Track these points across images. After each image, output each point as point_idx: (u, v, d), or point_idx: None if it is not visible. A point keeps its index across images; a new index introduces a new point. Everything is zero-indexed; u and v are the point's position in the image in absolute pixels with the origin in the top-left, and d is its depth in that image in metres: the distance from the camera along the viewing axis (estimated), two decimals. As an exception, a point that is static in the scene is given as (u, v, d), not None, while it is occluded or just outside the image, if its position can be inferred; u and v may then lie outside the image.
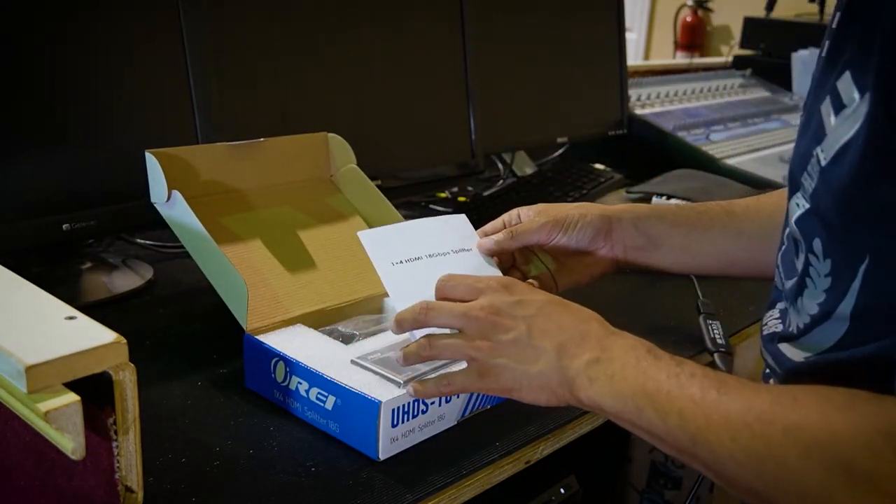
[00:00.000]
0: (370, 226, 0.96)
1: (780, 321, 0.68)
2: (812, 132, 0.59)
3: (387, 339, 0.79)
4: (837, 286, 0.57)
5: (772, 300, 0.72)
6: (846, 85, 0.54)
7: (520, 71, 1.48)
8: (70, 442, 0.47)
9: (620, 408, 0.58)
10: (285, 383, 0.76)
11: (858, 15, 0.54)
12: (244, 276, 0.79)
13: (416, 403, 0.71)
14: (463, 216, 0.82)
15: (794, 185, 0.62)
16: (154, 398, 0.77)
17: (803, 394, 0.52)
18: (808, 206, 0.59)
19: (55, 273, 1.01)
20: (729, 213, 0.83)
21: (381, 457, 0.69)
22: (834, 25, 0.59)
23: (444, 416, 0.74)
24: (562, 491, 0.99)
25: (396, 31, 1.24)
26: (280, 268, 0.86)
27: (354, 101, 1.18)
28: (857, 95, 0.53)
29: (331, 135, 0.98)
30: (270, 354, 0.76)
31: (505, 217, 0.81)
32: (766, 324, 0.71)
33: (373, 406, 0.68)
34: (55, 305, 0.53)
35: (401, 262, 0.74)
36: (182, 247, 0.84)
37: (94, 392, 0.50)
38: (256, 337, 0.78)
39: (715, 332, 0.94)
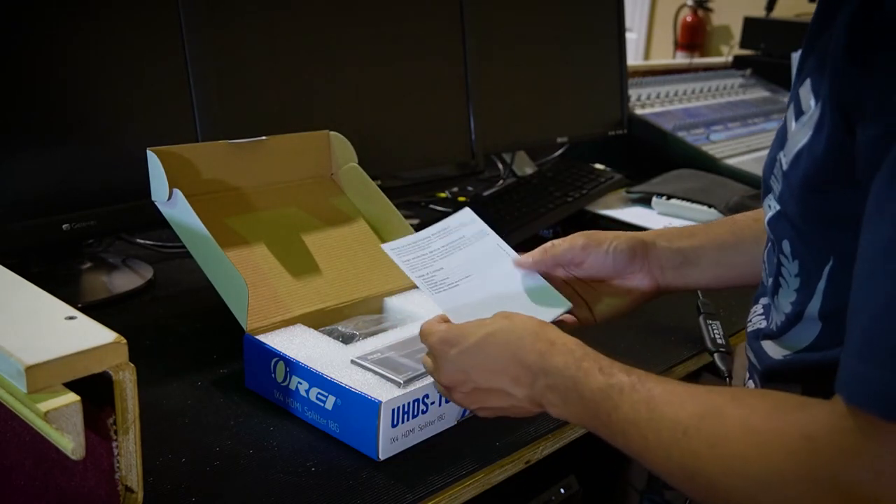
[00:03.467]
0: (370, 225, 0.96)
1: (763, 317, 0.69)
2: (779, 137, 0.60)
3: (387, 339, 0.80)
4: (806, 286, 0.59)
5: (756, 295, 0.73)
6: (806, 92, 0.56)
7: (520, 71, 1.48)
8: (70, 442, 0.47)
9: (584, 425, 0.62)
10: (285, 383, 0.76)
11: (825, 25, 0.56)
12: (244, 275, 0.79)
13: (416, 403, 0.71)
14: (467, 210, 0.84)
15: (766, 188, 0.64)
16: (154, 398, 0.77)
17: (730, 405, 0.53)
18: (778, 207, 0.61)
19: (55, 273, 1.01)
20: (757, 220, 0.82)
21: (381, 457, 0.69)
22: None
23: (444, 416, 0.74)
24: (562, 491, 0.99)
25: (396, 30, 1.24)
26: (280, 267, 0.86)
27: (354, 101, 1.18)
28: (812, 103, 0.55)
29: (332, 133, 0.98)
30: (270, 354, 0.76)
31: (540, 248, 0.81)
32: (750, 320, 0.72)
33: (373, 406, 0.68)
34: (55, 305, 0.53)
35: (432, 270, 0.77)
36: (182, 246, 0.84)
37: (94, 392, 0.50)
38: (256, 337, 0.78)
39: (715, 332, 0.94)
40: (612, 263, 0.78)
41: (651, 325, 1.00)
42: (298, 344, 0.78)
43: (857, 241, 0.49)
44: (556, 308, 0.76)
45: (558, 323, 0.74)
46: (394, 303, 0.90)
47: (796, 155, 0.57)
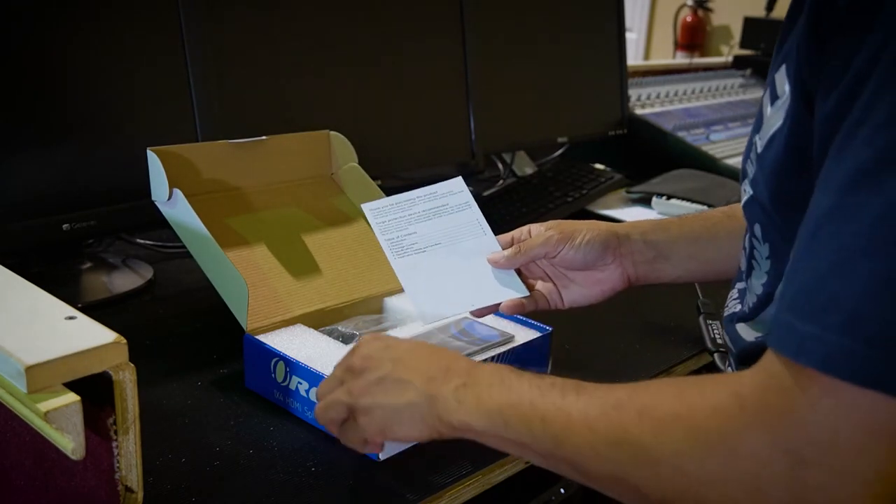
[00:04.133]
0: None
1: (738, 301, 0.70)
2: (755, 122, 0.61)
3: None
4: (776, 269, 0.60)
5: (734, 280, 0.74)
6: (781, 77, 0.57)
7: (520, 71, 1.48)
8: (70, 442, 0.47)
9: (488, 425, 0.59)
10: (285, 383, 0.76)
11: (797, 13, 0.56)
12: (244, 275, 0.79)
13: None
14: (459, 179, 0.85)
15: (743, 173, 0.66)
16: (154, 398, 0.77)
17: (664, 382, 0.53)
18: (751, 192, 0.62)
19: (55, 273, 1.01)
20: (730, 216, 0.83)
21: (381, 457, 0.69)
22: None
23: None
24: (562, 491, 0.99)
25: (396, 30, 1.24)
26: (280, 267, 0.86)
27: (355, 101, 1.18)
28: (787, 87, 0.56)
29: (332, 132, 0.98)
30: (270, 354, 0.76)
31: (515, 232, 0.83)
32: (727, 305, 0.73)
33: None
34: (55, 305, 0.53)
35: (404, 233, 0.79)
36: (182, 246, 0.84)
37: (94, 392, 0.50)
38: (256, 337, 0.78)
39: (715, 332, 0.94)
40: (584, 257, 0.79)
41: (651, 325, 1.00)
42: (298, 344, 0.78)
43: None
44: (514, 292, 0.79)
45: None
46: (394, 303, 0.90)
47: (770, 138, 0.58)
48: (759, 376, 0.47)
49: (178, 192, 0.81)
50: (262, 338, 0.78)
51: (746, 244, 0.66)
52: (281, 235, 0.89)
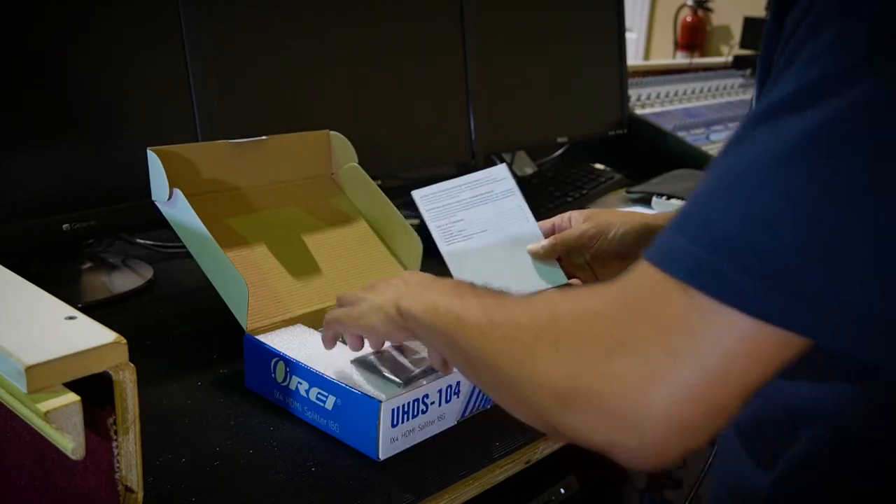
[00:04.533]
0: (371, 225, 0.96)
1: None
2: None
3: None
4: None
5: None
6: (756, 93, 0.59)
7: (520, 71, 1.48)
8: (70, 442, 0.47)
9: (422, 312, 0.63)
10: (285, 383, 0.76)
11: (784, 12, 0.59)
12: (244, 275, 0.79)
13: (415, 403, 0.71)
14: (503, 166, 0.89)
15: None
16: (154, 398, 0.77)
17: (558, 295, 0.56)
18: None
19: (55, 273, 1.01)
20: None
21: (381, 457, 0.69)
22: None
23: (444, 416, 0.75)
24: (562, 491, 0.99)
25: (396, 30, 1.24)
26: (280, 267, 0.86)
27: (354, 101, 1.18)
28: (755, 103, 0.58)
29: (332, 132, 0.98)
30: (270, 354, 0.76)
31: (556, 219, 0.88)
32: None
33: (373, 406, 0.68)
34: (55, 305, 0.53)
35: (452, 220, 0.84)
36: (182, 246, 0.84)
37: (94, 392, 0.50)
38: (256, 337, 0.78)
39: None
40: (619, 248, 0.82)
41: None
42: (298, 344, 0.78)
43: None
44: (553, 281, 0.84)
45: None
46: None
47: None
48: (625, 282, 0.50)
49: (178, 192, 0.80)
50: (261, 338, 0.78)
51: None
52: (281, 235, 0.89)
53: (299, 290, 0.85)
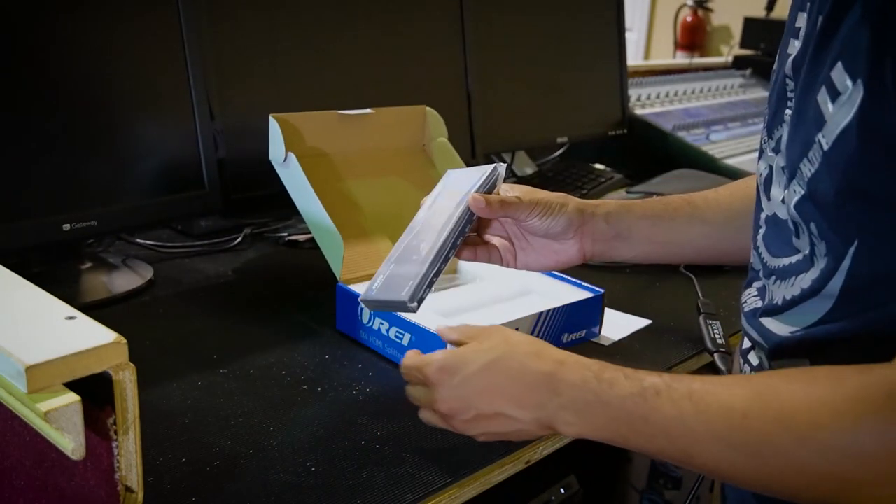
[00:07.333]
0: None
1: (759, 298, 0.71)
2: (812, 121, 0.61)
3: (454, 296, 0.96)
4: (830, 266, 0.60)
5: (748, 280, 0.75)
6: (839, 75, 0.58)
7: (520, 71, 1.48)
8: (70, 442, 0.47)
9: (608, 438, 0.61)
10: (370, 324, 0.88)
11: (842, 16, 0.58)
12: (343, 232, 0.91)
13: None
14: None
15: (791, 173, 0.65)
16: (154, 398, 0.77)
17: (783, 382, 0.54)
18: (804, 191, 0.62)
19: (55, 273, 1.01)
20: (690, 203, 0.87)
21: (382, 456, 0.70)
22: (813, 27, 0.64)
23: None
24: (562, 491, 0.99)
25: (396, 30, 1.24)
26: (374, 226, 0.98)
27: (354, 101, 1.18)
28: (849, 83, 0.56)
29: (428, 108, 1.07)
30: (358, 301, 0.80)
31: (506, 185, 0.85)
32: (745, 301, 0.74)
33: (439, 340, 0.76)
34: (55, 305, 0.53)
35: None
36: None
37: (94, 392, 0.50)
38: (348, 286, 0.90)
39: (715, 332, 0.94)
40: (548, 228, 0.81)
41: (651, 325, 1.00)
42: None
43: (885, 221, 0.53)
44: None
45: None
46: (466, 266, 1.04)
47: (840, 134, 0.58)
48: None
49: (291, 156, 0.92)
50: (353, 287, 0.90)
51: (797, 241, 0.66)
52: (377, 199, 1.00)
53: (387, 249, 0.89)
